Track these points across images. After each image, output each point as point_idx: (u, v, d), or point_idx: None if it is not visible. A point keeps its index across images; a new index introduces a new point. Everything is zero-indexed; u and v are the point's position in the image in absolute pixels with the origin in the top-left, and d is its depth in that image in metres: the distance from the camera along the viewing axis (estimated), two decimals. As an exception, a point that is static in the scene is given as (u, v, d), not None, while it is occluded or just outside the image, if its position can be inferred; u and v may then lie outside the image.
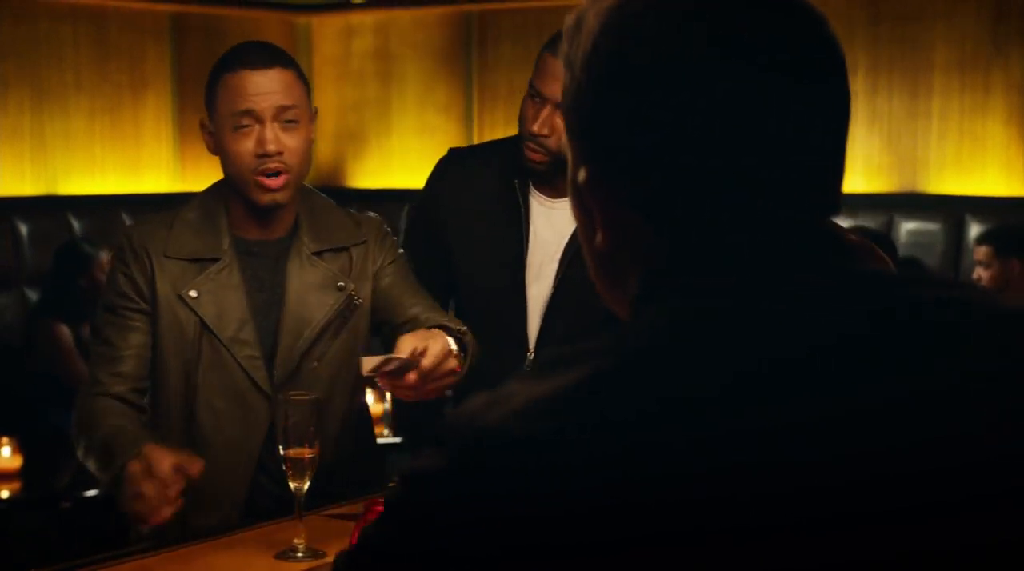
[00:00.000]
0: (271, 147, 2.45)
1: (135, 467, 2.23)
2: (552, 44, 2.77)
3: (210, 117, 2.53)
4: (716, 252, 0.96)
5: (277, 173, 2.48)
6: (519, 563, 0.85)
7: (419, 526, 0.88)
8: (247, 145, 2.47)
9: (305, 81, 2.56)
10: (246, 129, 2.47)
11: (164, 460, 2.21)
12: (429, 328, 2.48)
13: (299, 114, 2.50)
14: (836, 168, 0.99)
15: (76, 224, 6.31)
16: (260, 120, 2.46)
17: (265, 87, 2.47)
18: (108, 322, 2.51)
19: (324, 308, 2.56)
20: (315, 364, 2.54)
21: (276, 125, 2.47)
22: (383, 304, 2.64)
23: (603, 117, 0.98)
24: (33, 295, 6.00)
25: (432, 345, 2.36)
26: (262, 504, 2.52)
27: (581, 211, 1.04)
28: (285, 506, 2.31)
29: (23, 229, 6.18)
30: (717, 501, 0.85)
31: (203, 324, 2.49)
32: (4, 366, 5.53)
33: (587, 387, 0.88)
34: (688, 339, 0.91)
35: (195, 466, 2.23)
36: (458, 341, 2.48)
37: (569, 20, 1.03)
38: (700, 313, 0.93)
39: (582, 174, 1.02)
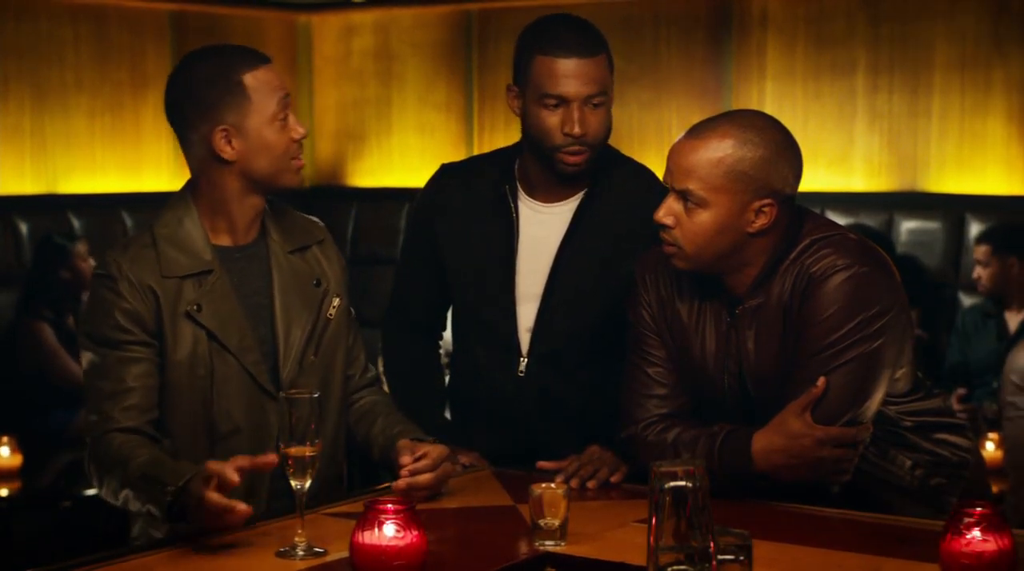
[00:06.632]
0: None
1: (212, 496, 2.19)
2: (544, 46, 2.72)
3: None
4: None
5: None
6: None
7: None
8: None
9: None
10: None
11: (229, 467, 2.21)
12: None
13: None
14: None
15: (76, 223, 6.30)
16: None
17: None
18: (106, 356, 2.46)
19: (309, 303, 2.61)
20: (312, 357, 2.59)
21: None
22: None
23: None
24: (33, 294, 5.99)
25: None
26: (279, 506, 2.51)
27: None
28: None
29: (23, 228, 6.18)
30: None
31: (210, 336, 2.49)
32: (4, 365, 5.52)
33: None
34: None
35: (262, 460, 2.25)
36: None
37: None
38: None
39: None
